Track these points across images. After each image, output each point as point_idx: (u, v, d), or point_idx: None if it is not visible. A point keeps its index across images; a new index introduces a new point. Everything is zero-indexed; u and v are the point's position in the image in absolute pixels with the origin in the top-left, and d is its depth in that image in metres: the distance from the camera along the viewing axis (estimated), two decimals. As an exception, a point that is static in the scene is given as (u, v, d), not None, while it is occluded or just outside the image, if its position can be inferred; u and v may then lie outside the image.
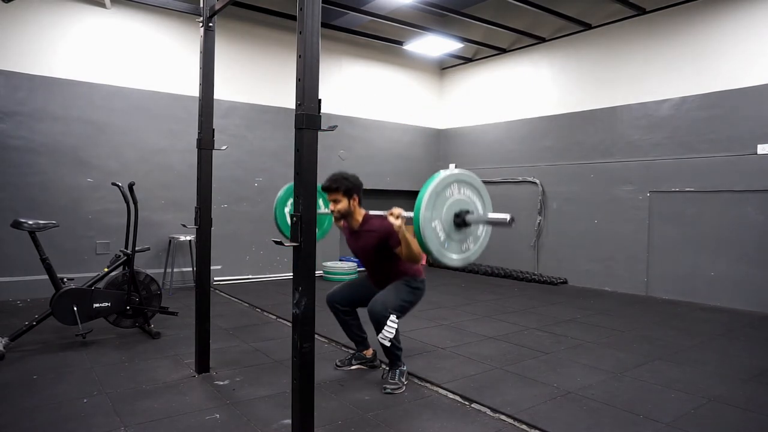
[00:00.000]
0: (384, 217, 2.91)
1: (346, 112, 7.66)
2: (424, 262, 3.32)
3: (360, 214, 3.17)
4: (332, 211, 3.14)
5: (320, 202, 3.52)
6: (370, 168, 7.81)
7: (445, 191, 2.41)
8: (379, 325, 2.96)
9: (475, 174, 2.58)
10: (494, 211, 2.60)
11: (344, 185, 3.06)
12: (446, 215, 2.42)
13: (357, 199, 3.13)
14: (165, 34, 6.16)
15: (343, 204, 3.08)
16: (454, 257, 2.47)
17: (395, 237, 2.92)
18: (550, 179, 7.22)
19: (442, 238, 2.41)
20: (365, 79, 7.97)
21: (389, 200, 8.44)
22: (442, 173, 2.42)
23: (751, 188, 5.32)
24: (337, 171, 3.16)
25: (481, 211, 2.56)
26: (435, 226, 2.37)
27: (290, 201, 3.43)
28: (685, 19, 5.89)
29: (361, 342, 3.41)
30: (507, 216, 2.38)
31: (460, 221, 2.45)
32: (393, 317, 2.96)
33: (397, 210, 2.77)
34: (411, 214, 2.46)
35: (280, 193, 3.55)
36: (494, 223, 2.52)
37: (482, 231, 2.62)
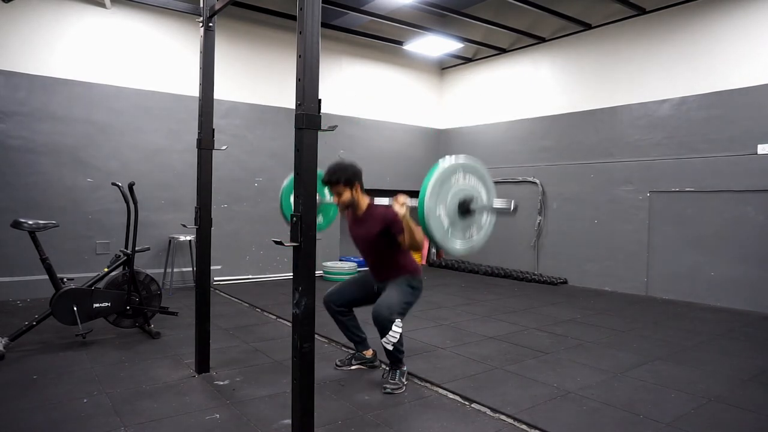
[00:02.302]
0: (389, 206, 2.93)
1: (346, 112, 7.66)
2: (425, 251, 3.35)
3: (364, 201, 3.17)
4: (337, 204, 3.14)
5: (325, 190, 3.54)
6: (370, 168, 7.74)
7: (450, 179, 2.41)
8: (383, 330, 2.95)
9: (479, 162, 2.58)
10: (500, 205, 2.61)
11: (344, 176, 3.06)
12: (451, 203, 2.42)
13: (359, 187, 3.13)
14: (165, 34, 6.16)
15: (346, 195, 3.09)
16: (457, 244, 2.48)
17: (399, 224, 2.92)
18: (550, 179, 7.22)
19: (446, 226, 2.41)
20: (365, 79, 7.97)
21: (389, 200, 8.44)
22: (447, 160, 2.41)
23: (751, 188, 5.32)
24: (334, 162, 3.14)
25: (485, 199, 2.56)
26: (439, 214, 2.38)
27: None
28: (685, 19, 5.89)
29: (361, 342, 3.41)
30: (510, 203, 2.39)
31: (465, 209, 2.45)
32: (398, 321, 2.96)
33: (402, 197, 2.79)
34: (416, 202, 2.46)
35: (286, 182, 3.53)
36: (498, 211, 2.53)
37: (486, 219, 2.62)
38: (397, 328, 2.95)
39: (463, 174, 2.46)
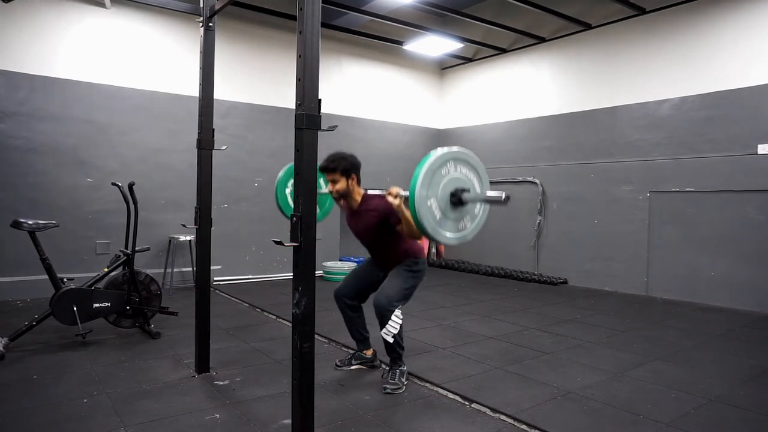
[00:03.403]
0: (382, 196, 2.93)
1: (346, 112, 7.66)
2: (425, 251, 3.34)
3: (359, 193, 3.18)
4: (330, 192, 3.14)
5: (320, 181, 3.54)
6: (370, 168, 7.75)
7: (441, 169, 2.41)
8: (383, 319, 2.98)
9: (472, 152, 2.58)
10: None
11: (342, 165, 3.06)
12: (442, 193, 2.42)
13: (355, 179, 3.14)
14: (165, 34, 6.16)
15: (341, 184, 3.09)
16: (448, 235, 2.47)
17: (395, 215, 2.94)
18: (550, 179, 7.22)
19: (437, 217, 2.41)
20: (365, 79, 7.97)
21: (389, 200, 8.44)
22: (439, 151, 2.41)
23: (751, 188, 5.32)
24: (335, 151, 3.15)
25: (478, 189, 2.55)
26: (431, 204, 2.37)
27: (291, 182, 3.41)
28: (685, 19, 5.89)
29: (363, 341, 3.41)
30: (502, 194, 2.38)
31: (456, 200, 2.45)
32: (398, 312, 2.99)
33: (395, 189, 2.79)
34: (407, 193, 2.46)
35: (281, 173, 3.53)
36: (490, 201, 2.52)
37: (479, 210, 2.61)
38: (396, 318, 2.98)
39: (454, 164, 2.46)
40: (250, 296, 5.74)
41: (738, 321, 4.87)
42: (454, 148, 2.50)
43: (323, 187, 3.32)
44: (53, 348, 3.70)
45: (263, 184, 6.89)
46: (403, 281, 3.09)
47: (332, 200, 3.69)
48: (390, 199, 2.80)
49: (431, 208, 2.37)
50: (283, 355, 3.62)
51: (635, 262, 6.24)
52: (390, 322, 2.97)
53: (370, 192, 3.16)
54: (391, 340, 3.00)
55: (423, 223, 2.34)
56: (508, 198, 2.37)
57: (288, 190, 3.51)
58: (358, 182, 3.17)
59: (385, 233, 3.11)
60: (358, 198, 3.17)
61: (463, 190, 2.47)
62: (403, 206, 2.80)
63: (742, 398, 2.95)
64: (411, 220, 2.82)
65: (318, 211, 3.67)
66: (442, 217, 2.43)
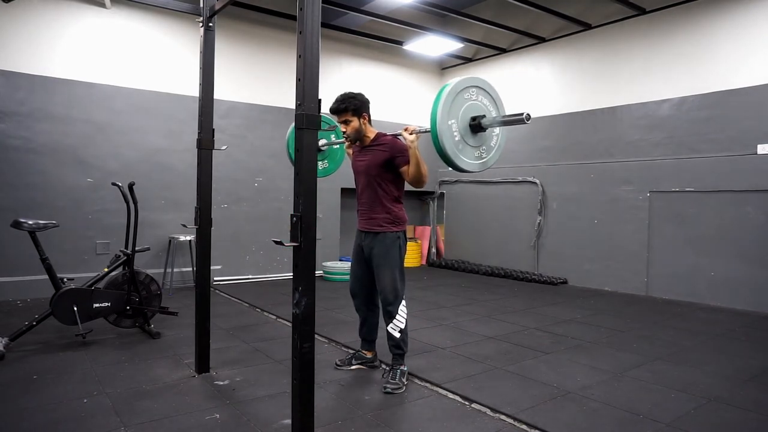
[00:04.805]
0: (397, 137, 2.97)
1: (346, 112, 7.65)
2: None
3: (371, 131, 3.18)
4: (345, 134, 3.14)
5: (332, 137, 3.56)
6: (370, 168, 7.80)
7: (464, 93, 2.44)
8: (390, 316, 3.05)
9: (491, 84, 2.60)
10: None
11: (353, 104, 3.07)
12: (462, 117, 2.45)
13: (367, 117, 3.15)
14: (165, 34, 6.16)
15: (354, 123, 3.10)
16: (467, 161, 2.49)
17: (405, 155, 2.94)
18: (550, 179, 7.22)
19: (457, 138, 2.42)
20: (365, 79, 7.97)
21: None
22: (459, 78, 2.46)
23: (751, 188, 5.32)
24: (342, 92, 3.17)
25: (493, 111, 2.60)
26: (451, 125, 2.38)
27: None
28: (685, 19, 5.89)
29: (369, 342, 3.42)
30: (523, 113, 2.40)
31: (476, 124, 2.46)
32: (403, 304, 3.08)
33: (412, 126, 2.81)
34: (427, 128, 2.48)
35: (289, 131, 3.55)
36: (510, 122, 2.53)
37: (497, 141, 2.65)
38: (403, 312, 3.07)
39: (476, 91, 2.49)
40: (250, 296, 5.74)
41: (738, 321, 4.87)
42: (475, 77, 2.53)
43: (333, 138, 3.28)
44: (53, 348, 3.70)
45: (263, 184, 6.89)
46: (396, 262, 3.10)
47: (343, 150, 3.70)
48: (406, 135, 2.84)
49: (451, 129, 2.39)
50: (283, 355, 3.62)
51: (635, 262, 6.24)
52: (397, 316, 3.04)
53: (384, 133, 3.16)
54: (398, 335, 3.04)
55: (443, 144, 2.36)
56: (528, 117, 2.39)
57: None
58: (369, 121, 3.17)
59: (387, 175, 3.09)
60: (371, 136, 3.17)
61: (483, 117, 2.49)
62: (416, 144, 2.83)
63: (742, 398, 2.95)
64: (420, 162, 2.85)
65: (328, 164, 3.71)
66: (462, 141, 2.45)
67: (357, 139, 3.18)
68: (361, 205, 3.26)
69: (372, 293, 3.31)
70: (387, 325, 3.10)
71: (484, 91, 2.56)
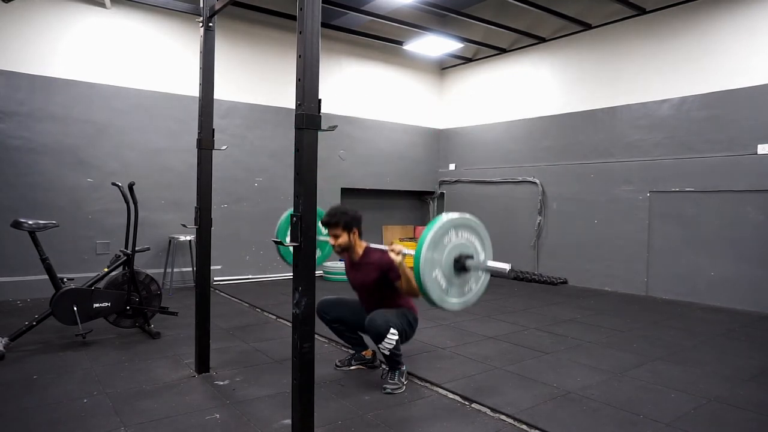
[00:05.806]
0: (384, 251, 2.95)
1: (346, 112, 7.66)
2: None
3: (360, 246, 3.18)
4: (333, 246, 3.15)
5: (320, 225, 3.54)
6: (370, 168, 7.81)
7: (443, 239, 2.46)
8: (379, 337, 2.94)
9: (470, 215, 2.63)
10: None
11: (343, 220, 3.06)
12: (446, 261, 2.47)
13: (357, 233, 3.14)
14: (165, 34, 6.16)
15: (343, 238, 3.09)
16: (454, 301, 2.54)
17: (395, 270, 2.93)
18: (550, 179, 7.22)
19: (443, 286, 2.47)
20: (365, 79, 7.97)
21: (389, 200, 8.44)
22: (440, 218, 2.47)
23: (751, 188, 5.32)
24: (335, 205, 3.18)
25: (480, 251, 2.62)
26: (436, 276, 2.41)
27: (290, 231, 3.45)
28: (685, 19, 5.89)
29: (358, 343, 3.42)
30: (507, 266, 2.44)
31: (460, 266, 2.49)
32: (393, 330, 2.94)
33: (397, 246, 2.83)
34: (411, 251, 2.50)
35: (282, 218, 3.56)
36: (493, 273, 2.57)
37: (483, 277, 2.70)
38: (392, 336, 2.94)
39: (455, 231, 2.51)
40: (250, 296, 5.74)
41: (738, 321, 4.87)
42: (454, 215, 2.55)
43: (324, 232, 3.31)
44: (53, 348, 3.70)
45: (263, 184, 6.88)
46: (402, 318, 3.06)
47: (331, 246, 3.69)
48: (392, 255, 2.82)
49: (437, 279, 2.42)
50: (283, 355, 3.62)
51: (635, 262, 6.24)
52: (386, 340, 2.93)
53: (372, 246, 3.15)
54: (388, 353, 2.98)
55: (431, 296, 2.40)
56: (512, 271, 2.43)
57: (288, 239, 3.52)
58: (360, 236, 3.17)
59: (384, 288, 3.09)
60: (360, 251, 3.17)
61: (467, 257, 2.52)
62: (404, 263, 2.81)
63: (742, 398, 2.95)
64: (411, 277, 2.82)
65: (319, 254, 3.70)
66: (448, 285, 2.48)
67: (344, 251, 3.18)
68: (366, 308, 3.21)
69: (347, 325, 3.31)
70: (376, 344, 3.00)
71: (465, 227, 2.56)
